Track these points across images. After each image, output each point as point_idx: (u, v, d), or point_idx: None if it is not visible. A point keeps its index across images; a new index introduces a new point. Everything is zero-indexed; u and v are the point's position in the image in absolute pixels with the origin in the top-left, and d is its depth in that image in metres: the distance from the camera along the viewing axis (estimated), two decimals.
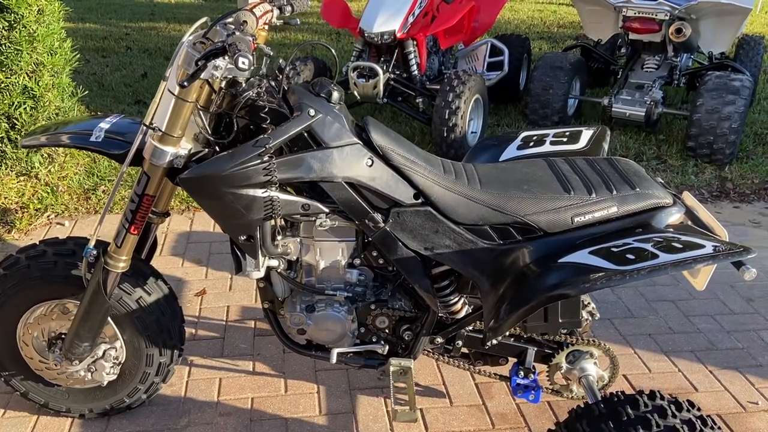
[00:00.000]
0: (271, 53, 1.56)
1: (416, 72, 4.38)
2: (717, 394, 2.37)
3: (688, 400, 1.56)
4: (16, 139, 3.62)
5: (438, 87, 4.27)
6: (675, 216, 1.74)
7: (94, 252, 1.79)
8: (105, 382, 2.00)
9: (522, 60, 5.17)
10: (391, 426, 2.17)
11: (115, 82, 5.77)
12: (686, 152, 4.32)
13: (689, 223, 1.78)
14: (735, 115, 4.07)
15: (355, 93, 4.32)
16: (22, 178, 3.66)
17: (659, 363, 2.52)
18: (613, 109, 4.57)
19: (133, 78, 5.91)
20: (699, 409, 1.55)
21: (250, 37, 1.47)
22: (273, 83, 1.73)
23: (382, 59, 4.41)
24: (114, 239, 1.77)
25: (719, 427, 1.51)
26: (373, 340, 1.99)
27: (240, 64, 1.39)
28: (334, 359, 1.96)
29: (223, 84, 1.64)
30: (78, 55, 3.95)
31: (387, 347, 1.99)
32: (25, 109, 3.57)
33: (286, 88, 1.72)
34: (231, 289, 2.91)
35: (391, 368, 1.96)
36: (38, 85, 3.60)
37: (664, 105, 4.56)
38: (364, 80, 4.23)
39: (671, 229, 1.69)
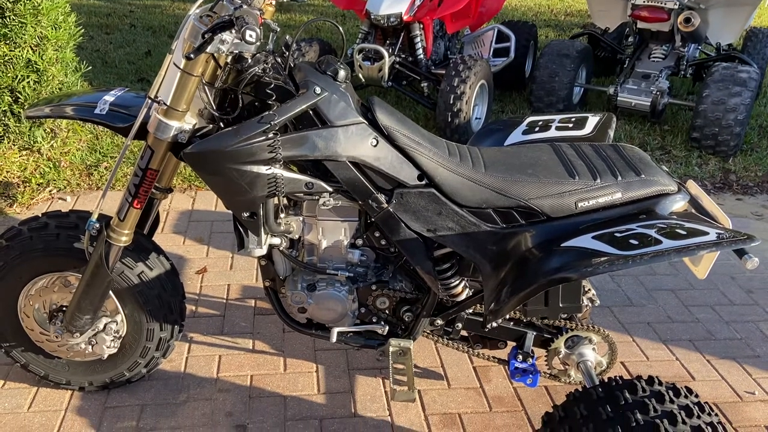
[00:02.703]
0: (278, 29, 1.55)
1: (422, 56, 4.35)
2: (714, 383, 2.38)
3: (686, 387, 1.57)
4: (19, 112, 3.61)
5: (443, 72, 4.25)
6: (679, 203, 1.74)
7: (97, 225, 1.79)
8: (105, 356, 2.01)
9: (528, 47, 5.14)
10: (388, 405, 2.18)
11: (119, 59, 5.74)
12: (690, 143, 4.30)
13: (693, 211, 1.78)
14: (741, 107, 4.05)
15: (360, 76, 4.30)
16: (24, 153, 3.66)
17: (657, 351, 2.53)
18: (618, 98, 4.55)
19: (137, 55, 5.88)
20: (697, 396, 1.55)
21: (257, 10, 1.45)
22: (279, 60, 1.72)
23: (387, 42, 4.38)
24: (117, 213, 1.77)
25: (716, 414, 1.52)
26: (374, 320, 2.00)
27: (247, 37, 1.38)
28: (334, 338, 1.97)
29: (229, 59, 1.63)
30: (82, 30, 3.92)
31: (387, 328, 2.00)
32: (28, 82, 3.55)
33: (292, 65, 1.71)
34: (232, 268, 2.91)
35: (391, 349, 1.97)
36: (42, 59, 3.58)
37: (670, 95, 4.53)
38: (369, 63, 4.21)
39: (675, 217, 1.69)
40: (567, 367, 2.10)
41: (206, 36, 1.45)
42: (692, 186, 1.85)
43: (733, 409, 2.25)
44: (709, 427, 1.44)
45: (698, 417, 1.46)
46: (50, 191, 3.47)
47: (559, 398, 2.25)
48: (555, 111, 4.64)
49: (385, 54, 4.14)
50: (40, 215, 1.95)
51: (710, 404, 1.61)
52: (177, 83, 1.59)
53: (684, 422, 1.44)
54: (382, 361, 2.37)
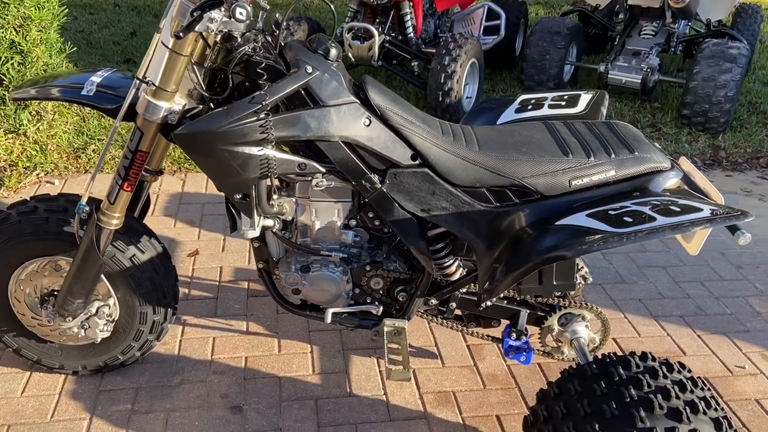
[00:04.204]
0: (267, 7, 1.52)
1: (412, 34, 4.31)
2: (705, 358, 2.41)
3: (678, 362, 1.58)
4: (4, 95, 3.55)
5: (434, 50, 4.21)
6: (672, 180, 1.74)
7: (87, 209, 1.76)
8: (98, 339, 2.00)
9: (519, 24, 5.10)
10: (383, 385, 2.19)
11: (104, 40, 5.65)
12: (681, 120, 4.31)
13: (686, 187, 1.78)
14: (731, 83, 4.05)
15: (350, 55, 4.25)
16: (10, 136, 3.60)
17: (648, 327, 2.55)
18: (609, 75, 4.54)
19: (122, 36, 5.78)
20: (690, 371, 1.57)
21: None
22: (269, 39, 1.69)
23: (377, 21, 4.34)
24: (107, 196, 1.75)
25: (709, 389, 1.54)
26: (368, 300, 2.00)
27: (237, 15, 1.36)
28: (328, 319, 1.97)
29: (218, 38, 1.60)
30: (65, 10, 3.84)
31: (381, 308, 2.00)
32: (12, 64, 3.49)
33: (282, 43, 1.69)
34: (224, 251, 2.90)
35: (385, 329, 1.97)
36: (26, 40, 3.51)
37: (661, 72, 4.53)
38: (359, 42, 4.16)
39: (668, 193, 1.69)
40: (560, 344, 2.12)
41: (195, 14, 1.42)
42: (685, 163, 1.85)
43: (724, 383, 2.28)
44: (702, 402, 1.46)
45: (691, 392, 1.48)
46: (37, 175, 3.43)
47: (552, 375, 2.27)
48: (546, 89, 4.62)
49: (375, 33, 4.09)
50: (28, 199, 1.93)
51: (702, 379, 1.63)
52: (165, 63, 1.56)
53: (677, 397, 1.45)
54: (377, 341, 2.38)
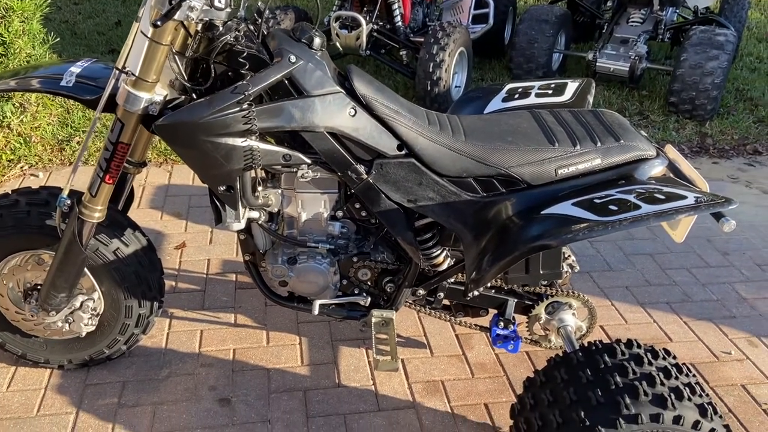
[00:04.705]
0: None
1: (400, 23, 4.28)
2: (691, 344, 2.42)
3: (664, 349, 1.59)
4: None
5: (422, 39, 4.18)
6: (658, 168, 1.74)
7: (68, 202, 1.74)
8: (83, 333, 1.98)
9: (507, 13, 5.08)
10: (372, 375, 2.19)
11: (88, 30, 5.58)
12: (668, 108, 4.32)
13: (671, 175, 1.78)
14: (718, 70, 4.06)
15: (338, 44, 4.22)
16: None
17: (635, 314, 2.56)
18: (597, 63, 4.54)
19: (107, 26, 5.71)
20: (674, 357, 1.58)
21: None
22: (252, 27, 1.67)
23: (365, 9, 4.30)
24: (88, 189, 1.73)
25: (694, 375, 1.55)
26: (356, 292, 1.99)
27: (216, 3, 1.34)
28: (316, 311, 1.96)
29: (199, 27, 1.57)
30: (48, 0, 3.78)
31: (369, 299, 1.99)
32: None
33: (265, 32, 1.66)
34: (211, 243, 2.88)
35: (373, 320, 1.97)
36: (8, 31, 3.45)
37: (648, 60, 4.53)
38: (346, 31, 4.13)
39: (654, 181, 1.69)
40: (548, 332, 2.13)
41: (173, 2, 1.40)
42: (670, 150, 1.85)
43: (710, 369, 2.30)
44: (687, 388, 1.47)
45: (676, 378, 1.49)
46: (22, 167, 3.39)
47: (540, 363, 2.28)
48: (534, 77, 4.61)
49: (363, 21, 4.06)
50: (10, 192, 1.90)
51: (687, 365, 1.64)
52: (145, 53, 1.53)
53: (662, 383, 1.46)
54: (366, 331, 2.38)
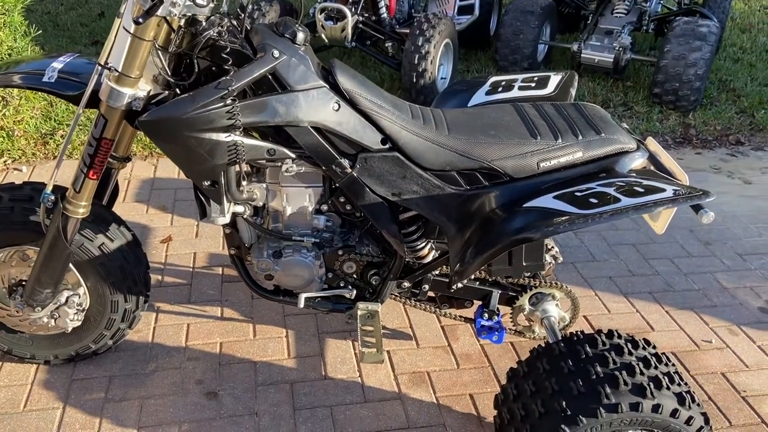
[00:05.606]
0: None
1: (385, 15, 4.27)
2: (673, 333, 2.46)
3: (644, 339, 1.62)
4: None
5: (407, 31, 4.18)
6: (638, 161, 1.76)
7: (52, 197, 1.74)
8: (69, 329, 1.98)
9: (493, 4, 5.08)
10: (358, 367, 2.21)
11: (71, 22, 5.51)
12: (652, 99, 4.35)
13: (652, 167, 1.81)
14: (701, 61, 4.10)
15: (323, 36, 4.21)
16: None
17: (618, 304, 2.60)
18: (582, 54, 4.56)
19: (90, 17, 5.64)
20: (654, 347, 1.61)
21: None
22: (235, 22, 1.66)
23: (350, 1, 4.28)
24: (72, 184, 1.72)
25: (673, 364, 1.58)
26: (341, 285, 2.00)
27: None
28: (301, 304, 1.98)
29: (182, 22, 1.57)
30: None
31: (354, 292, 2.01)
32: None
33: (248, 27, 1.66)
34: (197, 236, 2.88)
35: (359, 312, 1.98)
36: None
37: (633, 51, 4.56)
38: (331, 23, 4.12)
39: (634, 174, 1.72)
40: (531, 323, 2.15)
41: None
42: (651, 143, 1.87)
43: (691, 358, 2.35)
44: (665, 377, 1.50)
45: (655, 367, 1.52)
46: (5, 162, 3.36)
47: (524, 353, 2.31)
48: (520, 69, 4.63)
49: (348, 13, 4.05)
50: None
51: (667, 354, 1.67)
52: (128, 48, 1.53)
53: (642, 373, 1.49)
54: (352, 323, 2.39)
